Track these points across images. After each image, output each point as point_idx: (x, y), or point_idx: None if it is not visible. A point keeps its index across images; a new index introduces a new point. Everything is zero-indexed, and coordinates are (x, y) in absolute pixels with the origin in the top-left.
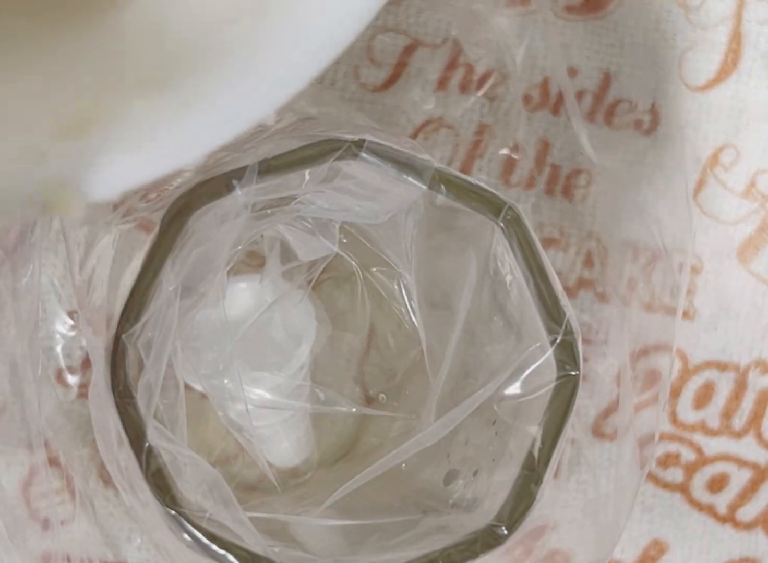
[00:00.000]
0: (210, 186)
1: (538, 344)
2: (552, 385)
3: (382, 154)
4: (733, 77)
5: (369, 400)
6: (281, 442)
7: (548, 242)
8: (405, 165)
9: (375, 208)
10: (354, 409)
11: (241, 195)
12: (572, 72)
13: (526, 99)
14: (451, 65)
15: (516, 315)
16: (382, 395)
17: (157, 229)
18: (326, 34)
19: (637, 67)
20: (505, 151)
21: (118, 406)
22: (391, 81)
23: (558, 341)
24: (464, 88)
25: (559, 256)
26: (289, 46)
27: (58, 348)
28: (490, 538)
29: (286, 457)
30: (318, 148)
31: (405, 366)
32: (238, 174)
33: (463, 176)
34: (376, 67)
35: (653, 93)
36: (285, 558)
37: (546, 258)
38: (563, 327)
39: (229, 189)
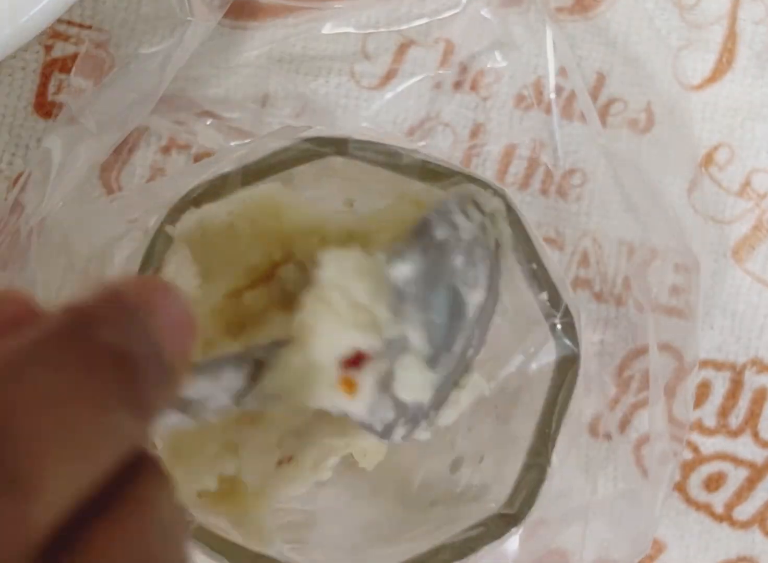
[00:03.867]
0: (196, 194)
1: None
2: (552, 367)
3: (368, 149)
4: (728, 76)
5: None
6: None
7: (544, 242)
8: (391, 160)
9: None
10: None
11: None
12: (565, 72)
13: (519, 98)
14: (445, 64)
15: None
16: None
17: (148, 240)
18: None
19: (631, 67)
20: (499, 150)
21: None
22: (386, 79)
23: (556, 323)
24: (458, 86)
25: (554, 255)
26: None
27: None
28: (497, 526)
29: None
30: (301, 148)
31: None
32: (222, 180)
33: (451, 165)
34: (371, 66)
35: (648, 92)
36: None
37: (540, 241)
38: (561, 310)
39: (214, 198)
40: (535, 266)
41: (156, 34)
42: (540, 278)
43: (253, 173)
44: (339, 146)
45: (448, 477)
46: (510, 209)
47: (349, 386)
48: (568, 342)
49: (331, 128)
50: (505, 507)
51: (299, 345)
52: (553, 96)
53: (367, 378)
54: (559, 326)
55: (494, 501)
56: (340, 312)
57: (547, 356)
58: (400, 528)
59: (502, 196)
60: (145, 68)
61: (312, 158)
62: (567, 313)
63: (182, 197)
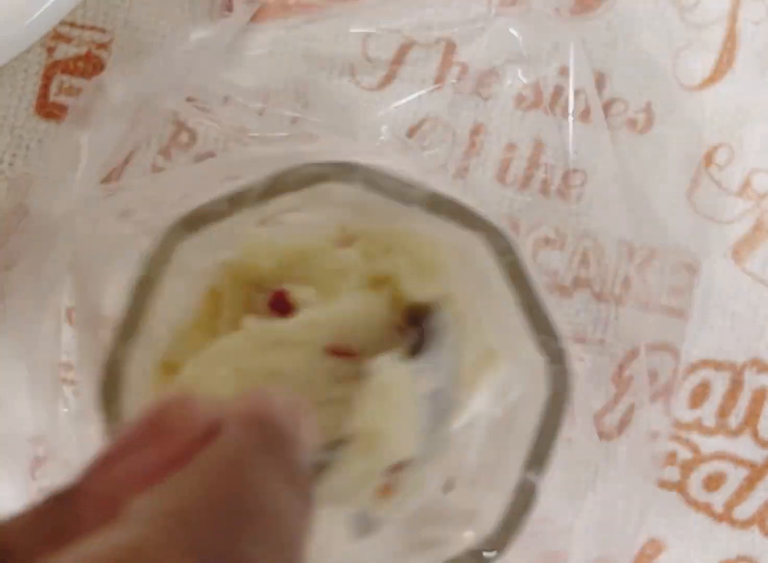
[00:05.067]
0: (201, 213)
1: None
2: (545, 392)
3: (373, 177)
4: (728, 76)
5: None
6: None
7: (544, 242)
8: (396, 190)
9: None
10: None
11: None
12: (565, 72)
13: (520, 98)
14: (446, 64)
15: None
16: None
17: (149, 253)
18: None
19: (631, 67)
20: (499, 151)
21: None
22: (386, 80)
23: (549, 351)
24: (459, 87)
25: (555, 255)
26: None
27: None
28: (483, 552)
29: None
30: (303, 173)
31: None
32: (233, 199)
33: (456, 201)
34: (371, 67)
35: (647, 92)
36: None
37: (540, 289)
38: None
39: (224, 215)
40: (529, 311)
41: (157, 34)
42: (536, 322)
43: (269, 190)
44: (348, 172)
45: (440, 497)
46: (510, 252)
47: (387, 491)
48: (558, 383)
49: (342, 131)
50: (483, 543)
51: (362, 450)
52: (571, 99)
53: (404, 482)
54: (549, 367)
55: (483, 527)
56: (404, 421)
57: (540, 384)
58: (394, 548)
59: (505, 239)
60: (178, 55)
61: (317, 182)
62: (559, 339)
63: (186, 216)
